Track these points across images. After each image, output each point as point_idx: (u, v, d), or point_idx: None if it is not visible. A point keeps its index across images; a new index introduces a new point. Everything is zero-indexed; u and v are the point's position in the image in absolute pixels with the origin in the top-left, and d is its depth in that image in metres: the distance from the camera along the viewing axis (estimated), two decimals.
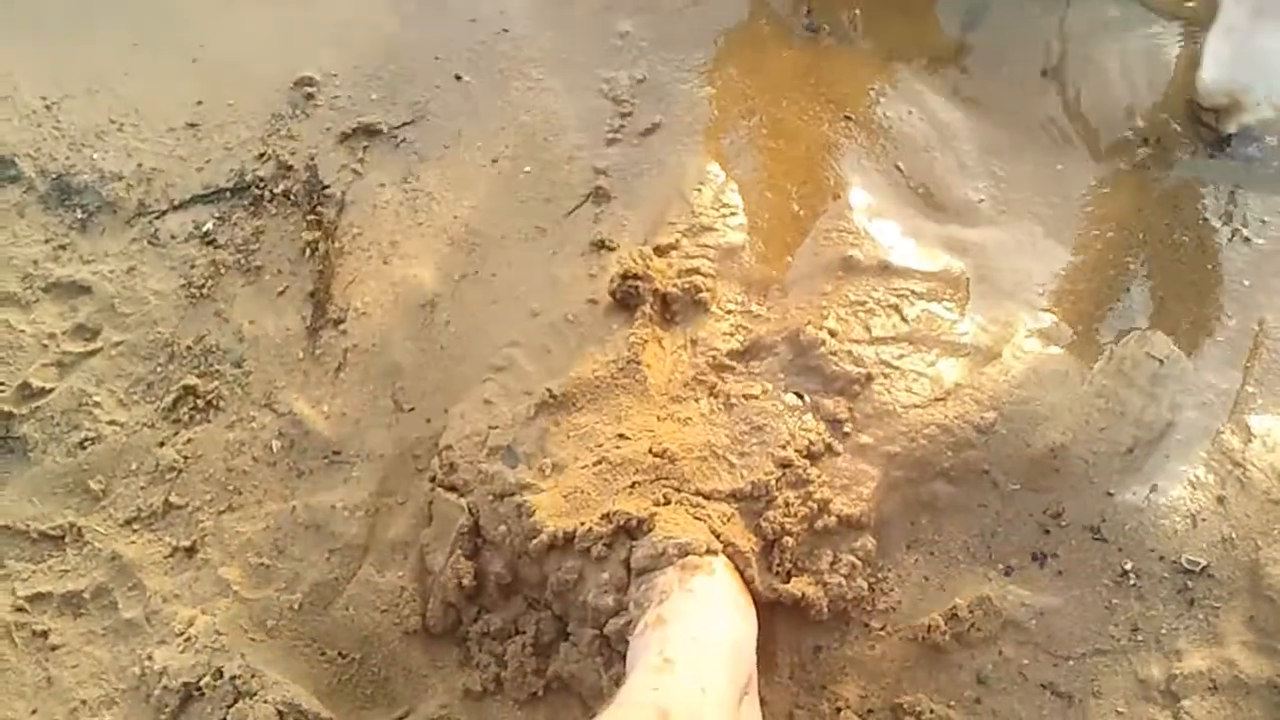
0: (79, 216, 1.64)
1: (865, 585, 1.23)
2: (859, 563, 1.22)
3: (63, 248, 1.61)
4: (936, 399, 1.32)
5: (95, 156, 1.70)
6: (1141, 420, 1.30)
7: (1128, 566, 1.22)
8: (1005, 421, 1.29)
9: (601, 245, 1.50)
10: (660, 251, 1.48)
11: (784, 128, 1.60)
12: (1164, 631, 1.19)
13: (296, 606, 1.31)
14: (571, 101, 1.67)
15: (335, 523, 1.35)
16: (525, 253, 1.52)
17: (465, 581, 1.24)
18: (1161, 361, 1.35)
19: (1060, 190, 1.51)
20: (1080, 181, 1.52)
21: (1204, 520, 1.24)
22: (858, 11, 1.71)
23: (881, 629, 1.23)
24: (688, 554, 1.14)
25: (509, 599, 1.27)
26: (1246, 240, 1.45)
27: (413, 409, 1.42)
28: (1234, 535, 1.22)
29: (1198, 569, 1.21)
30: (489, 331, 1.46)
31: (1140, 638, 1.19)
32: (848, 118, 1.60)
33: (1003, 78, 1.63)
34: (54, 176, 1.68)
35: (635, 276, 1.42)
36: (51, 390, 1.49)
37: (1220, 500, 1.25)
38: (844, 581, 1.21)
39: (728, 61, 1.69)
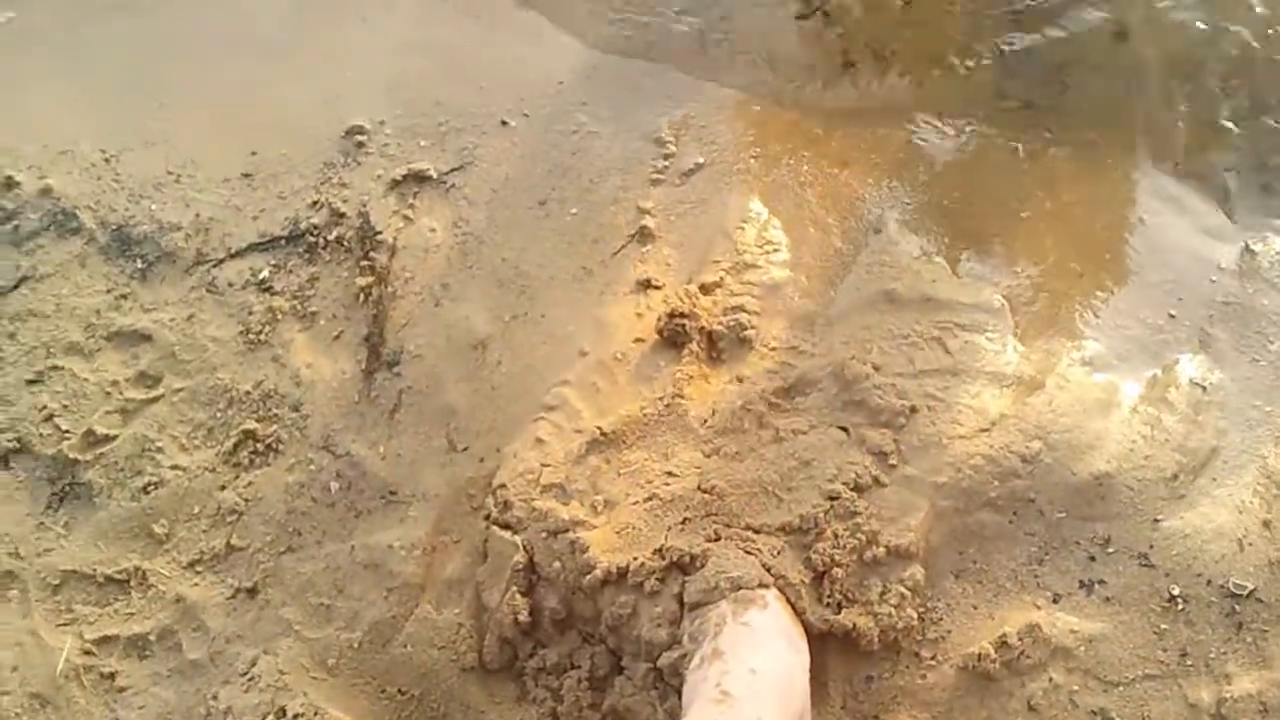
0: (139, 266, 1.69)
1: (915, 615, 1.24)
2: (908, 592, 1.24)
3: (124, 297, 1.66)
4: (981, 429, 1.33)
5: (154, 207, 1.75)
6: (1186, 446, 1.31)
7: (1175, 591, 1.23)
8: (1050, 451, 1.30)
9: (648, 284, 1.53)
10: (706, 290, 1.50)
11: (825, 165, 1.62)
12: (1213, 655, 1.19)
13: (356, 645, 1.34)
14: (616, 144, 1.70)
15: (393, 562, 1.37)
16: (573, 293, 1.55)
17: (521, 617, 1.26)
18: (1205, 388, 1.36)
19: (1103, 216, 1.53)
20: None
21: (1250, 544, 1.24)
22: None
23: (932, 658, 1.24)
24: (740, 588, 1.16)
25: (564, 634, 1.29)
26: None
27: (466, 449, 1.45)
28: None
29: (1245, 593, 1.22)
30: (540, 371, 1.49)
31: (1189, 662, 1.19)
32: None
33: None
34: (114, 228, 1.73)
35: (682, 315, 1.44)
36: (115, 437, 1.53)
37: (1266, 524, 1.25)
38: (894, 611, 1.22)
39: (768, 102, 1.72)
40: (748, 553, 1.22)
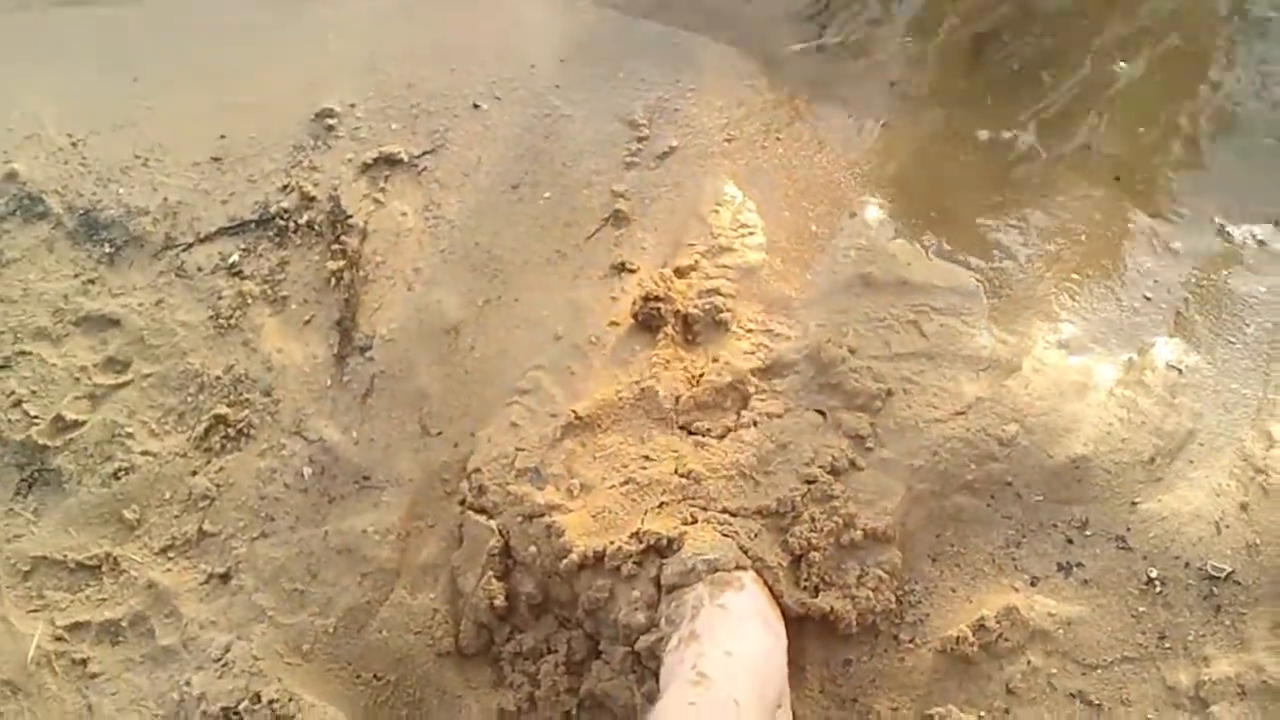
0: (107, 251, 1.67)
1: (893, 598, 1.24)
2: (886, 576, 1.24)
3: (91, 282, 1.64)
4: (958, 413, 1.33)
5: (121, 192, 1.72)
6: (1162, 430, 1.31)
7: (1153, 574, 1.23)
8: (1027, 434, 1.30)
9: (622, 268, 1.52)
10: (680, 273, 1.50)
11: (800, 147, 1.62)
12: (1191, 638, 1.19)
13: (331, 630, 1.33)
14: (589, 127, 1.68)
15: (367, 547, 1.36)
16: (547, 277, 1.54)
17: (497, 602, 1.26)
18: (1180, 371, 1.36)
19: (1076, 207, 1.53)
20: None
21: (1228, 527, 1.25)
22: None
23: (910, 641, 1.24)
24: (717, 570, 1.16)
25: (540, 618, 1.28)
26: (1262, 244, 1.47)
27: (440, 433, 1.43)
28: (1258, 541, 1.23)
29: (1223, 575, 1.22)
30: (513, 355, 1.48)
31: (1168, 645, 1.20)
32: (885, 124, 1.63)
33: None
34: (81, 212, 1.71)
35: (656, 298, 1.44)
36: (84, 422, 1.51)
37: (1244, 507, 1.25)
38: (871, 595, 1.22)
39: (741, 85, 1.71)
40: (725, 535, 1.22)
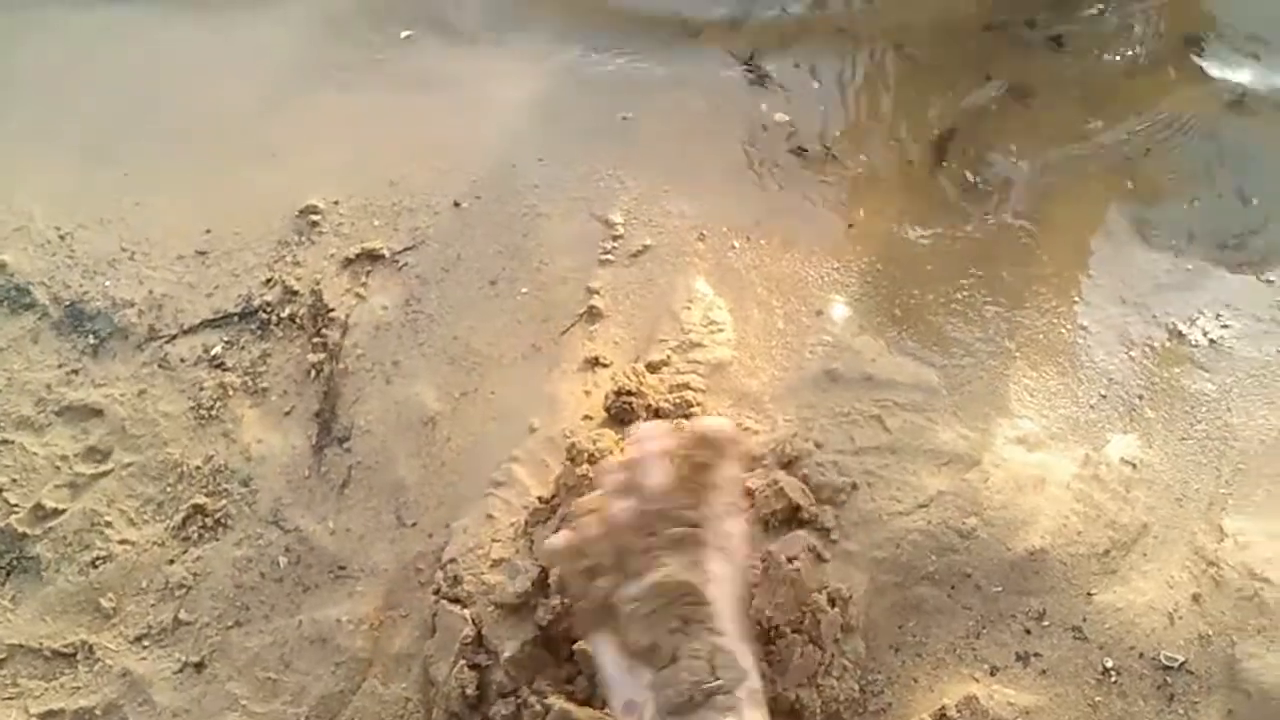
0: (91, 342, 1.70)
1: (856, 687, 1.26)
2: (850, 665, 1.26)
3: (75, 372, 1.67)
4: (920, 505, 1.37)
5: (107, 284, 1.76)
6: (1117, 523, 1.35)
7: (1109, 664, 1.26)
8: (986, 526, 1.34)
9: (596, 362, 1.56)
10: (652, 368, 1.54)
11: (768, 247, 1.67)
12: None
13: (304, 719, 1.34)
14: (566, 225, 1.74)
15: (340, 636, 1.38)
16: (523, 371, 1.58)
17: (469, 691, 1.27)
18: (1135, 466, 1.41)
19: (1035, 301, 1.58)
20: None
21: (1181, 618, 1.28)
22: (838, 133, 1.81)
23: None
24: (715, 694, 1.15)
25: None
26: (1213, 343, 1.52)
27: (415, 524, 1.46)
28: (1210, 632, 1.27)
29: (1176, 665, 1.25)
30: (489, 447, 1.51)
31: None
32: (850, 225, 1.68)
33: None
34: (67, 304, 1.74)
35: (629, 393, 1.47)
36: (64, 511, 1.53)
37: (1195, 598, 1.29)
38: (836, 684, 1.25)
39: (714, 188, 1.76)
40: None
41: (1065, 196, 1.69)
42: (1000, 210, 1.68)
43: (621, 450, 1.41)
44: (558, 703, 1.24)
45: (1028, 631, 1.29)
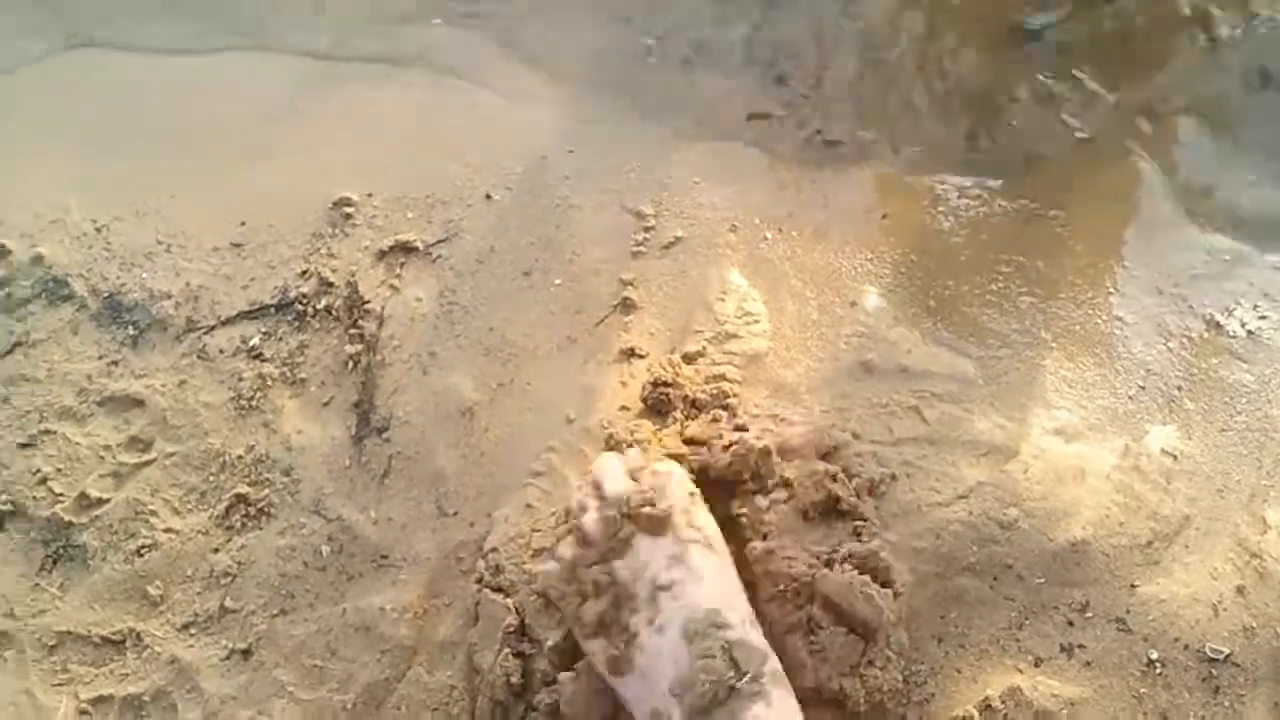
0: (130, 333, 1.71)
1: (900, 678, 1.27)
2: (893, 655, 1.27)
3: (115, 363, 1.68)
4: (959, 496, 1.37)
5: (144, 276, 1.77)
6: (1159, 514, 1.36)
7: (1154, 656, 1.26)
8: (1027, 518, 1.35)
9: (632, 354, 1.57)
10: (688, 359, 1.54)
11: (801, 238, 1.67)
12: (1191, 719, 1.22)
13: (350, 706, 1.35)
14: (598, 217, 1.74)
15: (384, 624, 1.39)
16: (559, 362, 1.59)
17: (513, 679, 1.28)
18: (1175, 457, 1.41)
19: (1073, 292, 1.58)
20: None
21: (1225, 610, 1.28)
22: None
23: None
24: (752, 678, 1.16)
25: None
26: (1251, 334, 1.52)
27: (456, 513, 1.47)
28: (1255, 624, 1.27)
29: (1221, 657, 1.26)
30: (527, 437, 1.52)
31: None
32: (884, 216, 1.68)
33: None
34: (105, 295, 1.76)
35: (665, 383, 1.48)
36: (109, 500, 1.55)
37: (1240, 590, 1.30)
38: (880, 674, 1.25)
39: (745, 179, 1.77)
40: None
41: (1100, 184, 1.69)
42: (1033, 198, 1.68)
43: (660, 442, 1.42)
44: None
45: (1071, 623, 1.29)
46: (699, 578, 1.17)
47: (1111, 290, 1.58)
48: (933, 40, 1.89)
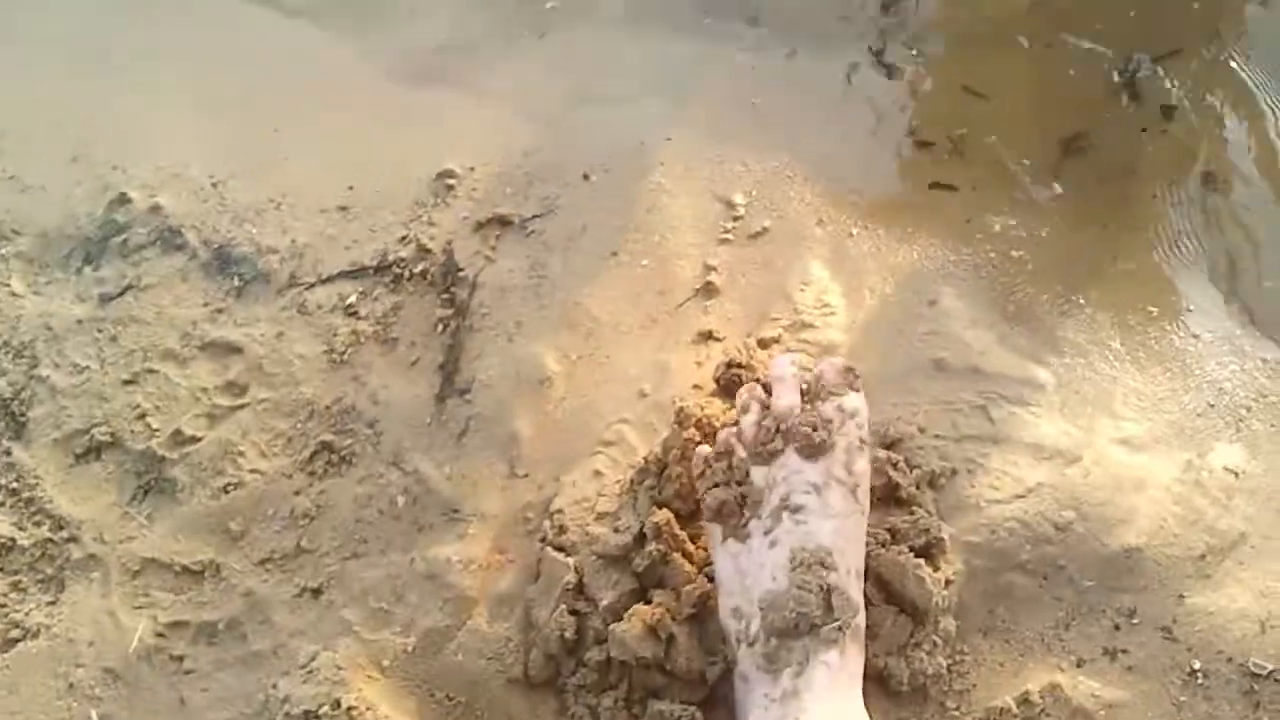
0: (235, 284, 1.80)
1: (944, 664, 1.29)
2: (939, 642, 1.29)
3: (219, 311, 1.77)
4: (1017, 495, 1.39)
5: (254, 231, 1.86)
6: (1215, 528, 1.36)
7: (1196, 666, 1.27)
8: (1083, 521, 1.36)
9: (709, 336, 1.61)
10: (763, 344, 1.58)
11: (886, 237, 1.70)
12: None
13: (410, 649, 1.41)
14: (689, 204, 1.79)
15: (450, 574, 1.44)
16: (638, 339, 1.63)
17: (568, 634, 1.33)
18: (1237, 475, 1.41)
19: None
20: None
21: (1273, 627, 1.28)
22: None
23: (956, 709, 1.29)
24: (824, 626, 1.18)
25: (606, 654, 1.34)
26: None
27: (526, 475, 1.52)
28: None
29: (1265, 673, 1.26)
30: (601, 408, 1.56)
31: None
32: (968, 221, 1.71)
33: None
34: (215, 247, 1.85)
35: (739, 365, 1.52)
36: (201, 439, 1.63)
37: None
38: (925, 658, 1.28)
39: (836, 175, 1.80)
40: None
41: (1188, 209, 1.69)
42: (1117, 213, 1.69)
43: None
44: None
45: (1117, 627, 1.31)
46: (829, 514, 1.22)
47: (1190, 308, 1.58)
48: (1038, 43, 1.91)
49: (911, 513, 1.37)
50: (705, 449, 1.32)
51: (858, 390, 1.31)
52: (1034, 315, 1.59)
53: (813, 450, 1.24)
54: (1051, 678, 1.28)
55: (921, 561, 1.31)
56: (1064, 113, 1.84)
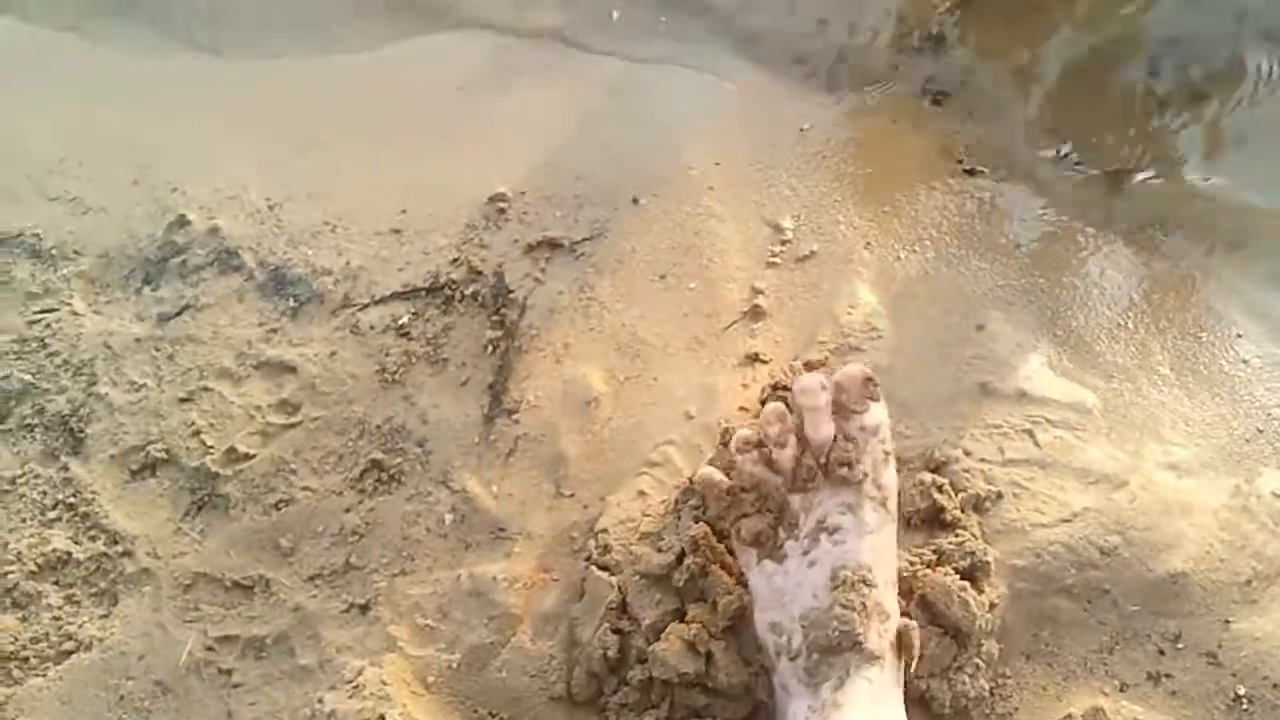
0: (290, 305, 1.84)
1: (986, 688, 1.29)
2: (983, 665, 1.29)
3: (274, 331, 1.80)
4: (1063, 520, 1.39)
5: (309, 253, 1.90)
6: (1263, 554, 1.35)
7: (1241, 692, 1.26)
8: (1128, 546, 1.35)
9: (755, 358, 1.62)
10: (809, 367, 1.59)
11: (934, 261, 1.70)
12: None
13: (455, 666, 1.43)
14: (737, 228, 1.80)
15: (496, 592, 1.46)
16: (685, 361, 1.64)
17: (610, 653, 1.34)
18: None
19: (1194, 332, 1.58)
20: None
21: None
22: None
23: None
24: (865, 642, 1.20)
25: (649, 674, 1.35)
26: None
27: (572, 494, 1.54)
28: None
29: None
30: (647, 430, 1.58)
31: None
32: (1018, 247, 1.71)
33: None
34: (271, 268, 1.89)
35: (785, 388, 1.53)
36: (254, 456, 1.66)
37: None
38: (968, 681, 1.28)
39: (884, 200, 1.81)
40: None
41: (1230, 230, 1.69)
42: (1166, 238, 1.68)
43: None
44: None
45: (1161, 652, 1.30)
46: (865, 531, 1.24)
47: (1239, 333, 1.57)
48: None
49: (956, 535, 1.38)
50: (745, 432, 1.32)
51: (878, 400, 1.31)
52: (1082, 340, 1.59)
53: (846, 485, 1.26)
54: (1095, 702, 1.27)
55: (966, 584, 1.31)
56: (1117, 145, 1.83)
